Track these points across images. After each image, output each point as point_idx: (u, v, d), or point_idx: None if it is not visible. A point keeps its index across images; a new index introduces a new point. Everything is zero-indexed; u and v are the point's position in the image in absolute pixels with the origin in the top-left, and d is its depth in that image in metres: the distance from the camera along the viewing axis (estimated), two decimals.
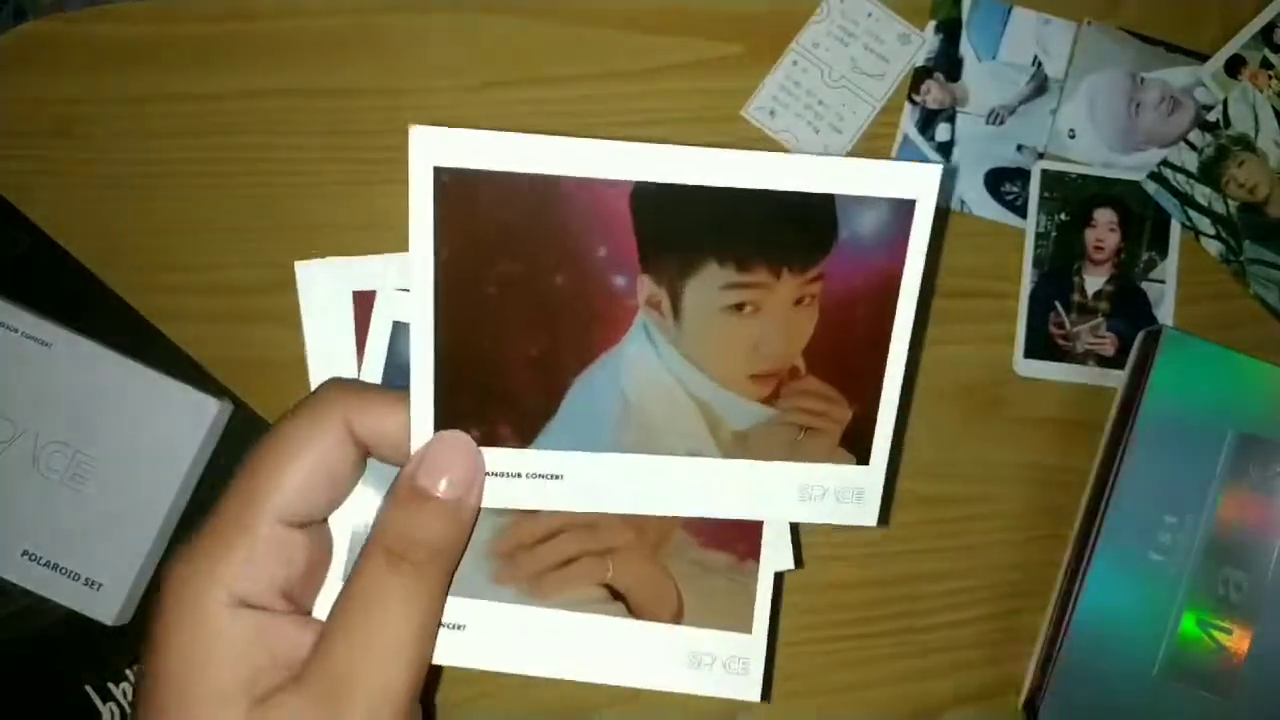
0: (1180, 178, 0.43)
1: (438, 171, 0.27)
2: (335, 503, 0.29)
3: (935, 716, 0.42)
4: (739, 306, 0.28)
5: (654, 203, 0.27)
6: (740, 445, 0.30)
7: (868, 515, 0.31)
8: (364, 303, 0.32)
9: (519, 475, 0.29)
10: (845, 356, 0.29)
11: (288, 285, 0.41)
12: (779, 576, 0.32)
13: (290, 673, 0.26)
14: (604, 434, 0.29)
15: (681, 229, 0.27)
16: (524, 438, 0.29)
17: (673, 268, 0.28)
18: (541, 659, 0.31)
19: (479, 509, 0.29)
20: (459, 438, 0.28)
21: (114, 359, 0.39)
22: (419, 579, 0.27)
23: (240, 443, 0.40)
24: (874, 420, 0.30)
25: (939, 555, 0.42)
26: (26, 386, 0.39)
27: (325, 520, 0.29)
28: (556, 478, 0.30)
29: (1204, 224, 0.43)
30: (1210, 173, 0.43)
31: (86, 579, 0.39)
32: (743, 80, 0.43)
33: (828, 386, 0.29)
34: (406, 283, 0.30)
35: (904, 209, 0.28)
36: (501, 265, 0.28)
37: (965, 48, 0.43)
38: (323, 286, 0.32)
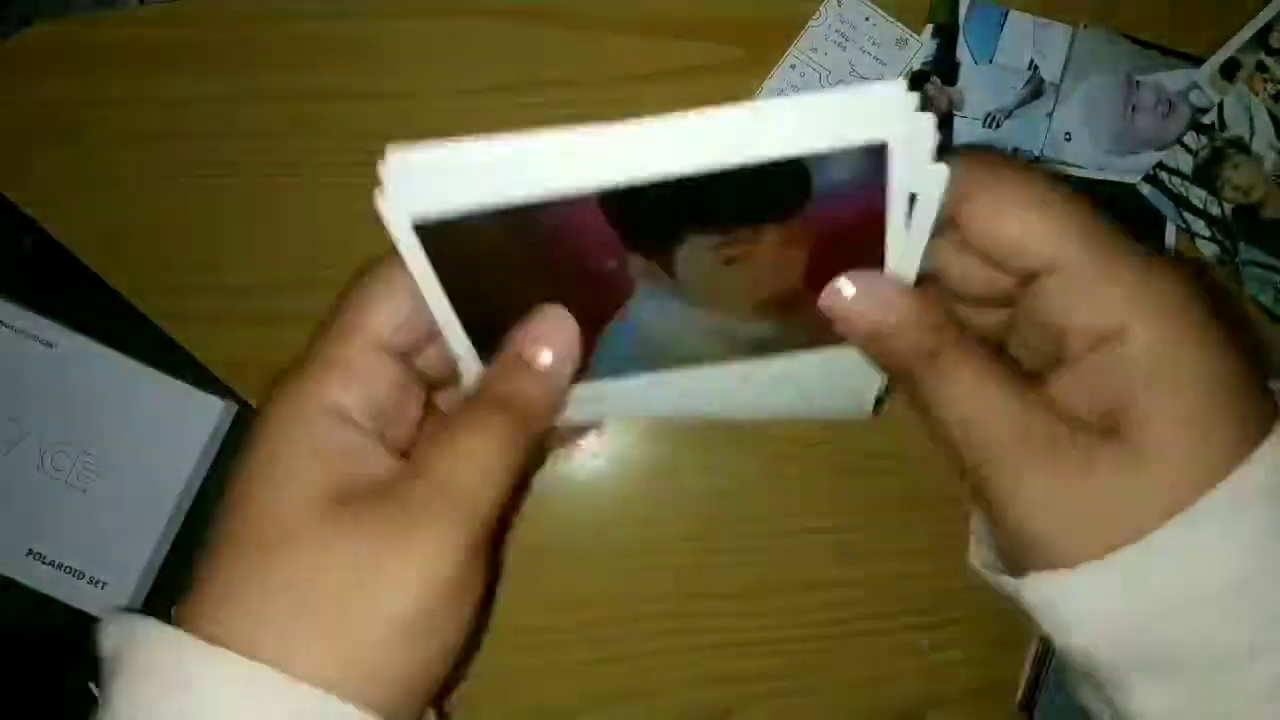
0: (1175, 180, 0.43)
1: (417, 226, 0.25)
2: (425, 340, 0.29)
3: (932, 715, 0.42)
4: (728, 261, 0.29)
5: (621, 203, 0.27)
6: (758, 350, 0.31)
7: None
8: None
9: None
10: (844, 270, 0.29)
11: (291, 286, 0.42)
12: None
13: (374, 492, 0.26)
14: (633, 368, 0.31)
15: (655, 221, 0.28)
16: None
17: (657, 246, 0.28)
18: (669, 405, 0.32)
19: (569, 384, 0.29)
20: (559, 313, 0.28)
21: (119, 360, 0.40)
22: (517, 424, 0.28)
23: (244, 443, 0.40)
24: None
25: (936, 554, 0.42)
26: (32, 387, 0.40)
27: (416, 361, 0.30)
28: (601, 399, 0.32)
29: (1199, 226, 0.43)
30: (1205, 175, 0.43)
31: (91, 578, 0.39)
32: (742, 84, 0.43)
33: None
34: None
35: (877, 150, 0.26)
36: (497, 280, 0.28)
37: (962, 51, 0.43)
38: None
